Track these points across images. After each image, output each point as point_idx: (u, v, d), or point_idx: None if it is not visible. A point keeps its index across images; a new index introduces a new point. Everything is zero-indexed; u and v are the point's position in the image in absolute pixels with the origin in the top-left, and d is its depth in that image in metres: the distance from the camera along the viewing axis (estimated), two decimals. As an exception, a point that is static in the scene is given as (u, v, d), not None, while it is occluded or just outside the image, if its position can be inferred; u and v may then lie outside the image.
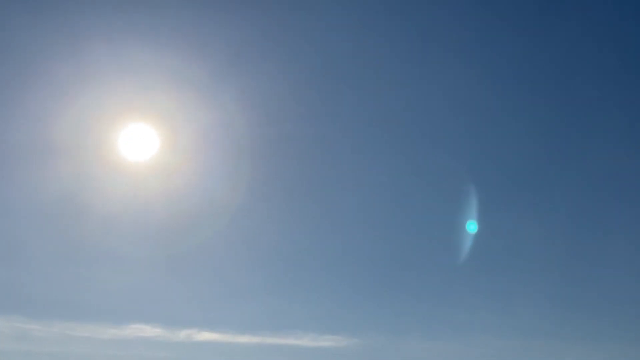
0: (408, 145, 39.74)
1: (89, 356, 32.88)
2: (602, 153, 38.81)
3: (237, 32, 35.67)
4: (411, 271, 37.82)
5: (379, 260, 37.93)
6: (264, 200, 37.45)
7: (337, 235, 38.41)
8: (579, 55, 38.88)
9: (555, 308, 35.97)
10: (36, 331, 33.04)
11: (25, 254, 34.07)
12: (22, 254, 33.99)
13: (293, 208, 38.34)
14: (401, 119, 39.49)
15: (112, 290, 34.54)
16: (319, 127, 38.19)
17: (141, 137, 34.62)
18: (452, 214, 38.14)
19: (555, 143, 39.86)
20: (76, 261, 34.80)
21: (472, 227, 35.75)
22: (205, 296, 35.82)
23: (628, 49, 38.72)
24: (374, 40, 37.93)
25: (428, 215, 39.13)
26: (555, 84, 39.72)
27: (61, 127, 33.67)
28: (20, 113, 34.11)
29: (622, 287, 36.16)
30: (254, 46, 36.42)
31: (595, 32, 38.77)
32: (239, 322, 34.91)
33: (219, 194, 36.00)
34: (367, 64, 38.15)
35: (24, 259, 34.01)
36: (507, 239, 37.90)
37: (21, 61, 34.02)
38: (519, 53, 39.20)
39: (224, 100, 35.46)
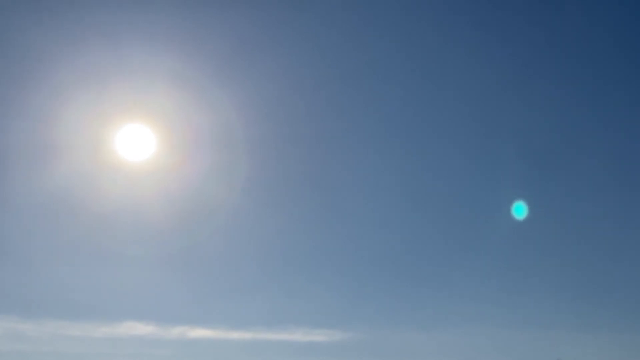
0: (402, 144, 40.20)
1: (82, 355, 32.75)
2: (604, 153, 39.22)
3: (235, 33, 36.25)
4: (404, 264, 37.87)
5: (371, 254, 38.01)
6: (256, 199, 37.69)
7: (329, 231, 38.63)
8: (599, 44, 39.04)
9: (555, 299, 35.89)
10: (29, 331, 32.96)
11: (18, 253, 34.28)
12: (15, 253, 34.22)
13: (285, 207, 38.58)
14: (398, 116, 39.95)
15: (104, 289, 34.67)
16: (315, 127, 38.62)
17: (139, 137, 34.97)
18: (449, 207, 38.52)
19: (564, 140, 40.01)
20: (68, 260, 34.99)
21: (519, 210, 34.81)
22: (197, 293, 35.90)
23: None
24: (373, 38, 38.31)
25: (420, 210, 39.38)
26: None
27: (59, 127, 34.07)
28: (18, 113, 34.67)
29: (623, 279, 36.26)
30: (252, 46, 36.96)
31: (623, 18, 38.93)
32: (232, 319, 34.92)
33: (212, 193, 36.24)
34: (366, 61, 38.50)
35: (17, 258, 34.19)
36: (509, 231, 37.96)
37: (19, 62, 34.73)
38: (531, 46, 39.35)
39: (222, 100, 35.93)
